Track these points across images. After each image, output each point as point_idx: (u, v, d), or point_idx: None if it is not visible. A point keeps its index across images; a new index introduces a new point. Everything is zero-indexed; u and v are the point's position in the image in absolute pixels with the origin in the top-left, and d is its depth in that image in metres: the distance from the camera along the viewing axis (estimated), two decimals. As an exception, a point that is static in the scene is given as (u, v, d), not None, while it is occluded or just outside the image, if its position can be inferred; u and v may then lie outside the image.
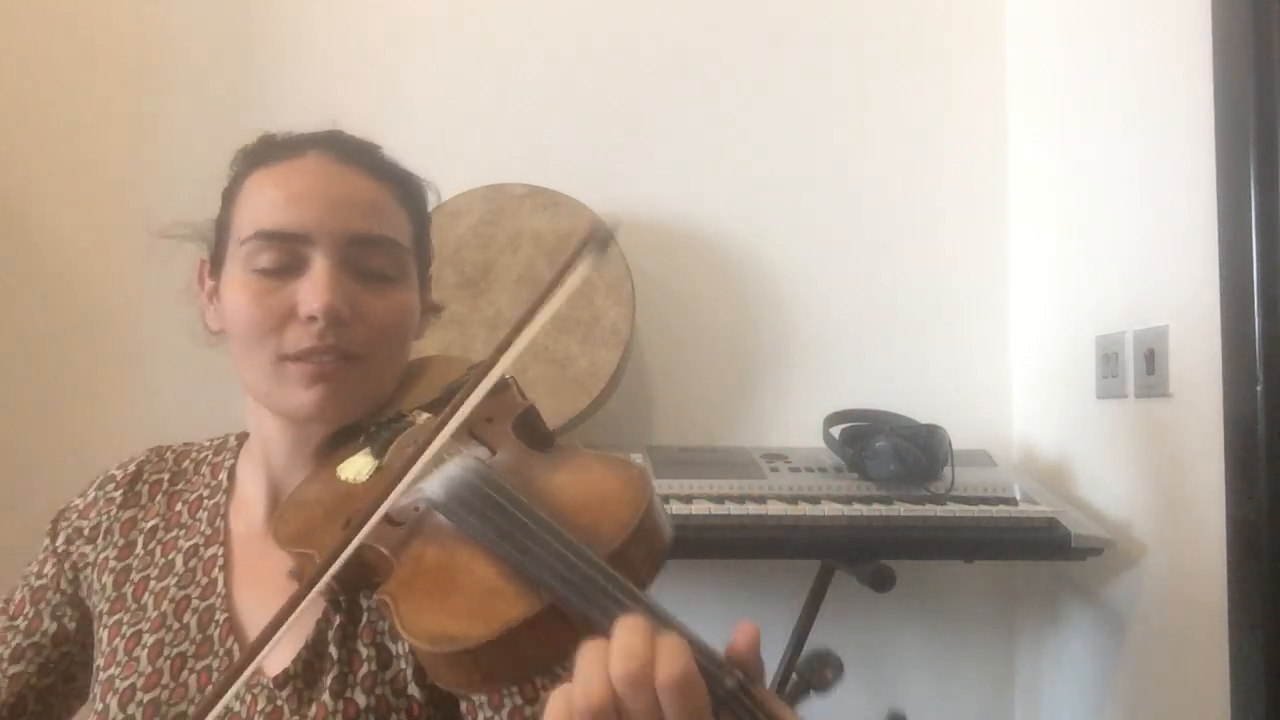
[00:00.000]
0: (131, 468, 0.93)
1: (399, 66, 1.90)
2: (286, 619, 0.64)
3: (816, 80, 1.98)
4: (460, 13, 1.93)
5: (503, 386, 0.82)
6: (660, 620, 0.55)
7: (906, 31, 2.00)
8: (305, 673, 0.78)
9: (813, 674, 0.56)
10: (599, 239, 0.69)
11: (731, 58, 1.97)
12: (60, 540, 0.91)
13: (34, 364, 1.80)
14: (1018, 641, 1.93)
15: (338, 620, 0.79)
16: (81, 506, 0.92)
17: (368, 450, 0.79)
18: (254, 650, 0.63)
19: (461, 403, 0.69)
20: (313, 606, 0.78)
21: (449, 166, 1.80)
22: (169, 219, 0.90)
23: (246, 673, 0.63)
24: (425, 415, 0.82)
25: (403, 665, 0.77)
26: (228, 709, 0.76)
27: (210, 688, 0.78)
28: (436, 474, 0.69)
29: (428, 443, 0.68)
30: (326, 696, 0.76)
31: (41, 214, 1.82)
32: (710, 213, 1.94)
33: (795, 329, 1.94)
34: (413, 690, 0.76)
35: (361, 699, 0.76)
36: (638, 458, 1.65)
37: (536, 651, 0.58)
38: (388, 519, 0.69)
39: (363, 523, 0.65)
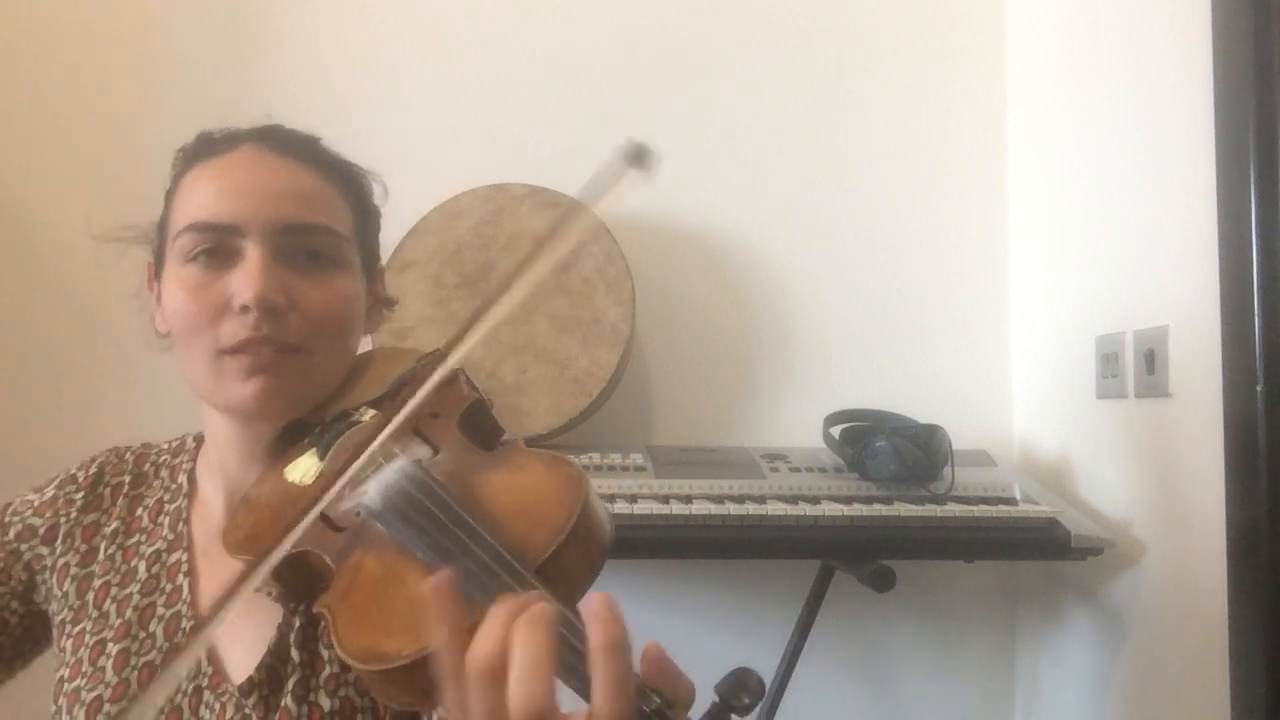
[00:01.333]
0: (93, 469, 0.91)
1: (399, 66, 1.90)
2: (214, 617, 0.63)
3: (817, 81, 1.98)
4: (460, 13, 1.93)
5: (451, 379, 0.80)
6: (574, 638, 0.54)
7: (907, 31, 2.00)
8: (269, 679, 0.77)
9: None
10: (632, 154, 0.67)
11: (732, 58, 1.97)
12: (11, 535, 0.87)
13: (32, 364, 1.80)
14: (1018, 641, 1.93)
15: (297, 624, 0.78)
16: (37, 504, 0.89)
17: (314, 451, 0.78)
18: (175, 651, 0.62)
19: (406, 400, 0.67)
20: (271, 612, 0.78)
21: (449, 166, 1.81)
22: (122, 224, 0.90)
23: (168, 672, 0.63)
24: (372, 413, 0.81)
25: None
26: (199, 717, 0.76)
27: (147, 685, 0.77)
28: (376, 478, 0.68)
29: (366, 443, 0.67)
30: (290, 701, 0.75)
31: (40, 212, 1.82)
32: (710, 213, 1.94)
33: (795, 329, 1.94)
34: None
35: (326, 702, 0.75)
36: (636, 456, 1.64)
37: None
38: (329, 523, 0.69)
39: (294, 523, 0.64)
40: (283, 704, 0.75)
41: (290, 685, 0.76)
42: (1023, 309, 1.95)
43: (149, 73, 1.85)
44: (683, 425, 1.91)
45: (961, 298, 1.97)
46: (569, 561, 0.60)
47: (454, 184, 1.71)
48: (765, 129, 1.96)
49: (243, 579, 0.63)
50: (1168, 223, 1.51)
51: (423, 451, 0.73)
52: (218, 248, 0.78)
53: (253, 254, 0.77)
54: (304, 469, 0.77)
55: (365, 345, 0.91)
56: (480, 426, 0.78)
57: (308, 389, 0.81)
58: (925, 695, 1.91)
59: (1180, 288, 1.48)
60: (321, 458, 0.77)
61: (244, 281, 0.76)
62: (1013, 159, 1.99)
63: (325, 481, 0.68)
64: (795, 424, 1.88)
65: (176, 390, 1.87)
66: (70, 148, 1.83)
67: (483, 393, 0.81)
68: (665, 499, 1.50)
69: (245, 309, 0.76)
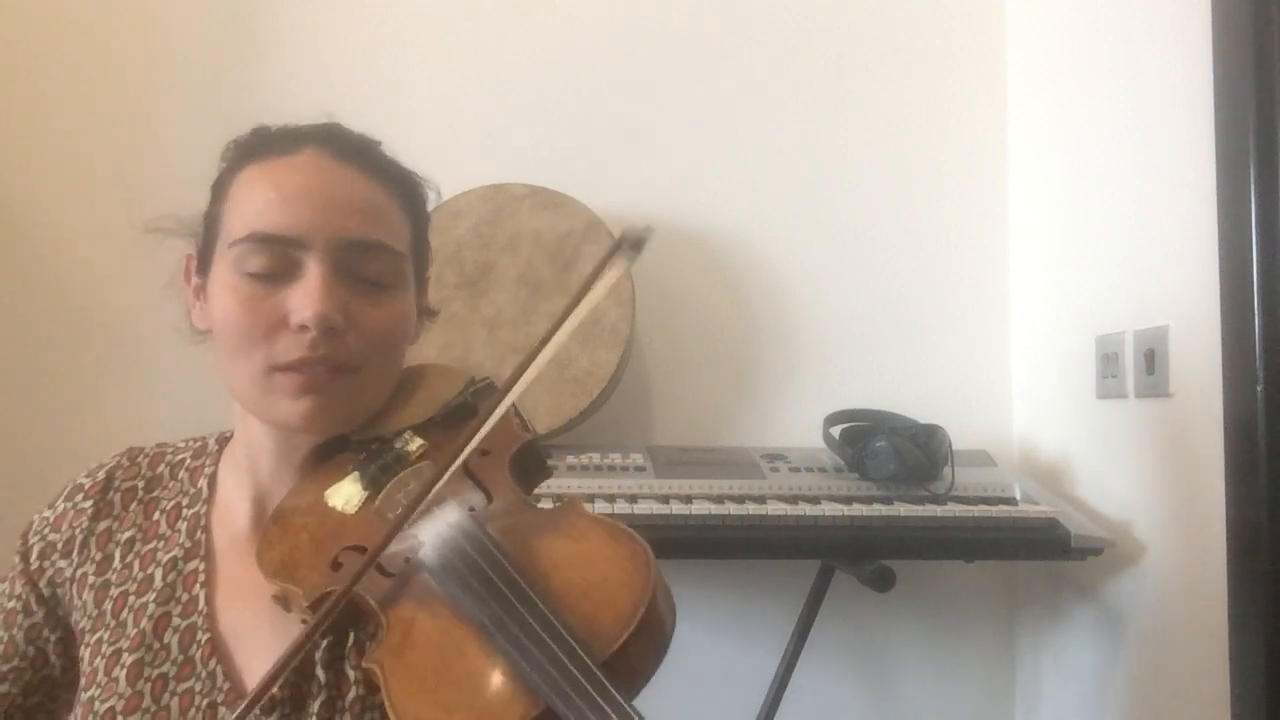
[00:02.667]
0: (101, 475, 0.88)
1: (399, 66, 1.90)
2: (279, 676, 0.62)
3: (817, 81, 1.98)
4: (460, 12, 1.93)
5: (507, 414, 0.79)
6: None
7: (907, 31, 2.00)
8: (292, 697, 0.75)
9: None
10: (633, 244, 0.66)
11: (732, 58, 1.97)
12: (33, 558, 0.86)
13: (31, 363, 1.80)
14: (1018, 641, 1.93)
15: (324, 643, 0.76)
16: (52, 519, 0.87)
17: (356, 477, 0.77)
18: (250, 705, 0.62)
19: (464, 444, 0.66)
20: (296, 627, 0.76)
21: (449, 166, 1.81)
22: (162, 214, 0.88)
23: None
24: (418, 441, 0.79)
25: None
26: None
27: None
28: (429, 525, 0.67)
29: (422, 492, 0.65)
30: None
31: (40, 212, 1.82)
32: (710, 213, 1.94)
33: (795, 329, 1.94)
34: None
35: None
36: (636, 456, 1.64)
37: None
38: (379, 569, 0.68)
39: (356, 576, 0.63)
40: None
41: (315, 707, 0.74)
42: (1023, 309, 1.95)
43: (149, 73, 1.85)
44: (683, 425, 1.91)
45: (961, 298, 1.97)
46: (636, 654, 0.58)
47: (454, 184, 1.71)
48: (765, 129, 1.96)
49: (297, 649, 0.62)
50: (1168, 223, 1.51)
51: (475, 498, 0.71)
52: (277, 260, 0.75)
53: (314, 270, 0.75)
54: (346, 496, 0.75)
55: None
56: (530, 467, 0.77)
57: (356, 407, 0.80)
58: (925, 695, 1.91)
59: (1180, 288, 1.48)
60: (365, 487, 0.75)
61: (304, 299, 0.74)
62: (1013, 159, 1.99)
63: (382, 525, 0.65)
64: (795, 424, 1.88)
65: (177, 389, 1.87)
66: (70, 148, 1.83)
67: (531, 429, 0.81)
68: (665, 499, 1.50)
69: (304, 328, 0.74)
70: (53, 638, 0.85)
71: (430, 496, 0.66)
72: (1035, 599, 1.89)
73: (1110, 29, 1.68)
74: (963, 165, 1.99)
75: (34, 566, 0.85)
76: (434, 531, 0.67)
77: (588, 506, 0.70)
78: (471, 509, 0.70)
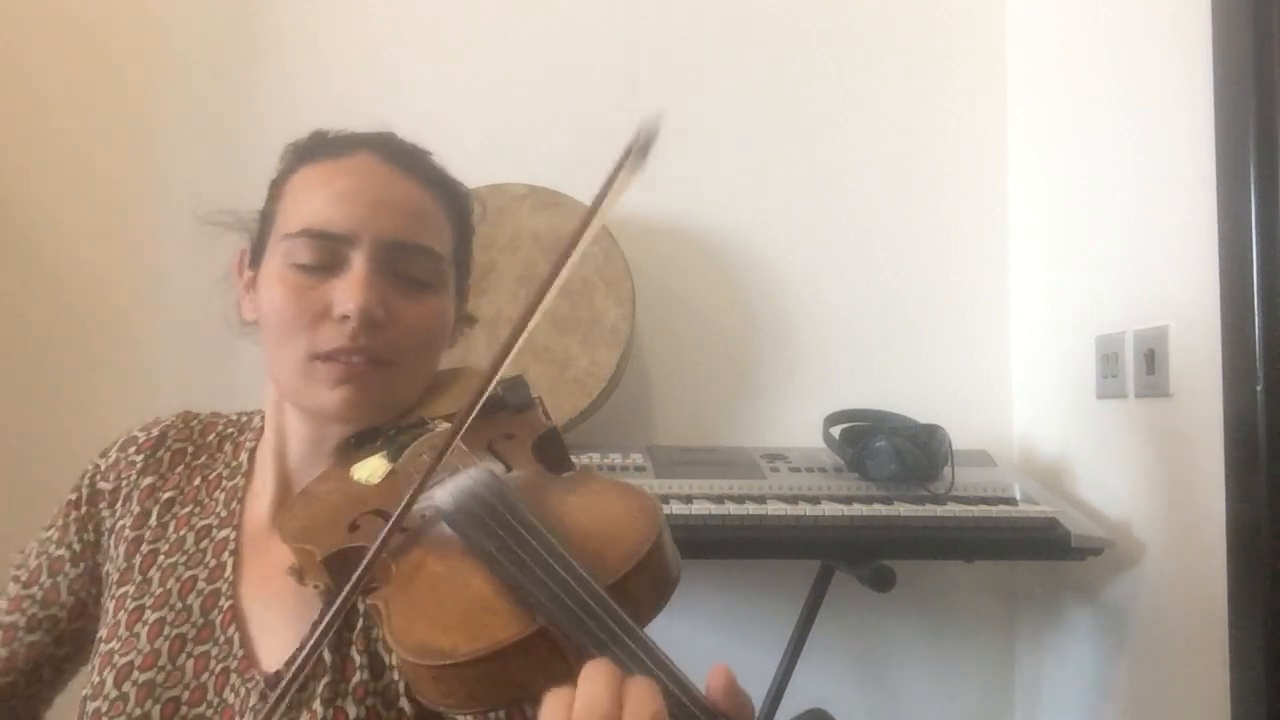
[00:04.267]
0: (155, 432, 0.91)
1: (399, 66, 1.90)
2: (321, 644, 0.63)
3: (817, 81, 1.98)
4: (460, 13, 1.93)
5: (528, 404, 0.83)
6: (646, 658, 0.54)
7: (907, 31, 2.00)
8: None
9: None
10: (642, 147, 0.67)
11: (732, 58, 1.97)
12: (84, 504, 0.89)
13: (31, 363, 1.80)
14: (1018, 641, 1.93)
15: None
16: (104, 467, 0.90)
17: (384, 453, 0.78)
18: (290, 684, 0.63)
19: (484, 384, 0.66)
20: (308, 605, 0.77)
21: (449, 166, 1.81)
22: (164, 217, 0.89)
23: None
24: (446, 425, 0.80)
25: (395, 677, 0.76)
26: (223, 701, 0.76)
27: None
28: (449, 482, 0.68)
29: (447, 443, 0.67)
30: (318, 704, 0.74)
31: (40, 212, 1.82)
32: (710, 213, 1.94)
33: (795, 329, 1.94)
34: (404, 704, 0.75)
35: (352, 709, 0.74)
36: (636, 456, 1.64)
37: (524, 675, 0.57)
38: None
39: (388, 534, 0.64)
40: (311, 706, 0.74)
41: (320, 688, 0.75)
42: (1023, 309, 1.95)
43: (149, 73, 1.85)
44: (683, 425, 1.91)
45: (961, 298, 1.97)
46: (638, 588, 0.60)
47: (454, 184, 1.71)
48: (765, 129, 1.96)
49: (350, 595, 0.63)
50: (1168, 223, 1.51)
51: (496, 468, 0.73)
52: (325, 254, 0.79)
53: (359, 265, 0.78)
54: (371, 469, 0.77)
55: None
56: (553, 453, 0.79)
57: (391, 400, 0.82)
58: (925, 695, 1.91)
59: (1180, 288, 1.48)
60: (392, 460, 0.77)
61: (348, 291, 0.77)
62: (1013, 159, 1.99)
63: (403, 483, 0.66)
64: (795, 424, 1.88)
65: (177, 389, 1.87)
66: (70, 148, 1.83)
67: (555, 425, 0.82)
68: (665, 499, 1.50)
69: (345, 318, 0.77)
70: (95, 591, 0.87)
71: (451, 450, 0.67)
72: (1035, 599, 1.89)
73: (1110, 29, 1.68)
74: (963, 165, 1.99)
75: (85, 513, 0.89)
76: (453, 485, 0.68)
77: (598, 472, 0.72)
78: (491, 472, 0.71)
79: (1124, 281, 1.62)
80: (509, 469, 0.74)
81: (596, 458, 1.62)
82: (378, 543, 0.63)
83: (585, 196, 1.74)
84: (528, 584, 0.58)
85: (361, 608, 0.77)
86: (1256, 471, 1.31)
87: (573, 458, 0.82)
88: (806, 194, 1.96)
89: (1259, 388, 1.30)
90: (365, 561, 0.63)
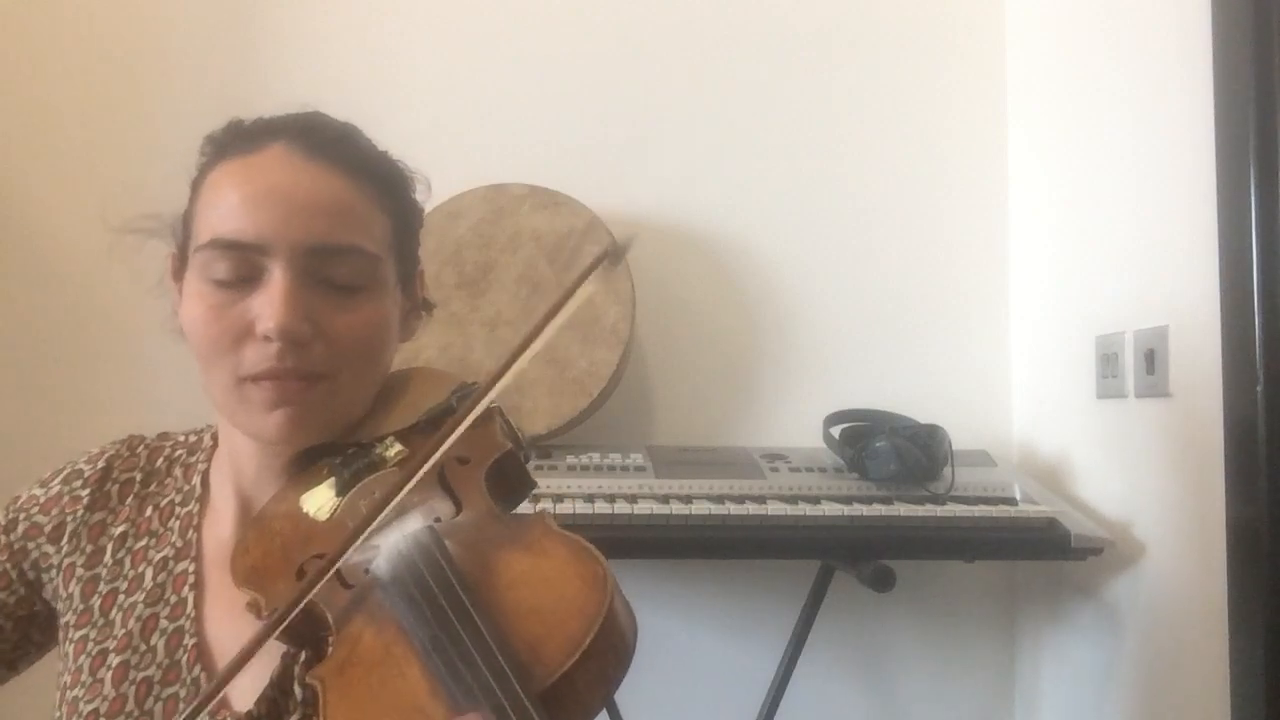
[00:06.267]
0: (100, 464, 0.86)
1: (399, 65, 1.90)
2: (225, 682, 0.62)
3: (816, 80, 1.98)
4: (461, 12, 1.93)
5: (488, 417, 0.76)
6: None
7: (906, 31, 1.99)
8: (269, 713, 0.73)
9: None
10: (614, 256, 0.65)
11: (732, 58, 1.96)
12: (17, 534, 0.83)
13: (30, 361, 1.80)
14: (1018, 641, 1.93)
15: (303, 656, 0.74)
16: (43, 500, 0.84)
17: (332, 482, 0.75)
18: (205, 698, 0.61)
19: (436, 447, 0.64)
20: (274, 645, 0.75)
21: (449, 166, 1.81)
22: (142, 214, 0.87)
23: None
24: (398, 447, 0.77)
25: None
26: None
27: None
28: (390, 536, 0.66)
29: (387, 498, 0.64)
30: None
31: (41, 213, 1.82)
32: (710, 213, 1.94)
33: (795, 329, 1.94)
34: None
35: None
36: (636, 456, 1.64)
37: None
38: (339, 578, 0.67)
39: (308, 585, 0.63)
40: None
41: None
42: (1023, 309, 1.95)
43: (149, 72, 1.85)
44: (683, 425, 1.91)
45: (961, 298, 1.97)
46: (582, 682, 0.57)
47: (454, 184, 1.71)
48: (765, 129, 1.96)
49: (256, 643, 0.62)
50: (1168, 223, 1.51)
51: (444, 508, 0.70)
52: (240, 266, 0.72)
53: (277, 278, 0.72)
54: (319, 502, 0.74)
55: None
56: (509, 479, 0.75)
57: (334, 416, 0.77)
58: (925, 695, 1.91)
59: (1180, 288, 1.48)
60: (339, 493, 0.74)
61: (267, 309, 0.71)
62: (1013, 159, 1.99)
63: (339, 531, 0.65)
64: (795, 424, 1.88)
65: (176, 389, 1.87)
66: (70, 148, 1.83)
67: (520, 438, 0.78)
68: (665, 499, 1.50)
69: (268, 338, 0.71)
70: (34, 610, 0.84)
71: (394, 505, 0.65)
72: (1035, 599, 1.89)
73: (1110, 28, 1.68)
74: (963, 166, 1.99)
75: (17, 545, 0.84)
76: (391, 543, 0.66)
77: (552, 521, 0.67)
78: (436, 520, 0.69)
79: (1124, 281, 1.62)
80: (458, 509, 0.70)
81: (596, 458, 1.62)
82: (301, 591, 0.62)
83: (585, 197, 1.75)
84: (458, 689, 0.57)
85: (299, 692, 0.75)
86: (1256, 471, 1.31)
87: (530, 490, 0.78)
88: (806, 194, 1.96)
89: (1259, 388, 1.30)
90: (287, 605, 0.62)
